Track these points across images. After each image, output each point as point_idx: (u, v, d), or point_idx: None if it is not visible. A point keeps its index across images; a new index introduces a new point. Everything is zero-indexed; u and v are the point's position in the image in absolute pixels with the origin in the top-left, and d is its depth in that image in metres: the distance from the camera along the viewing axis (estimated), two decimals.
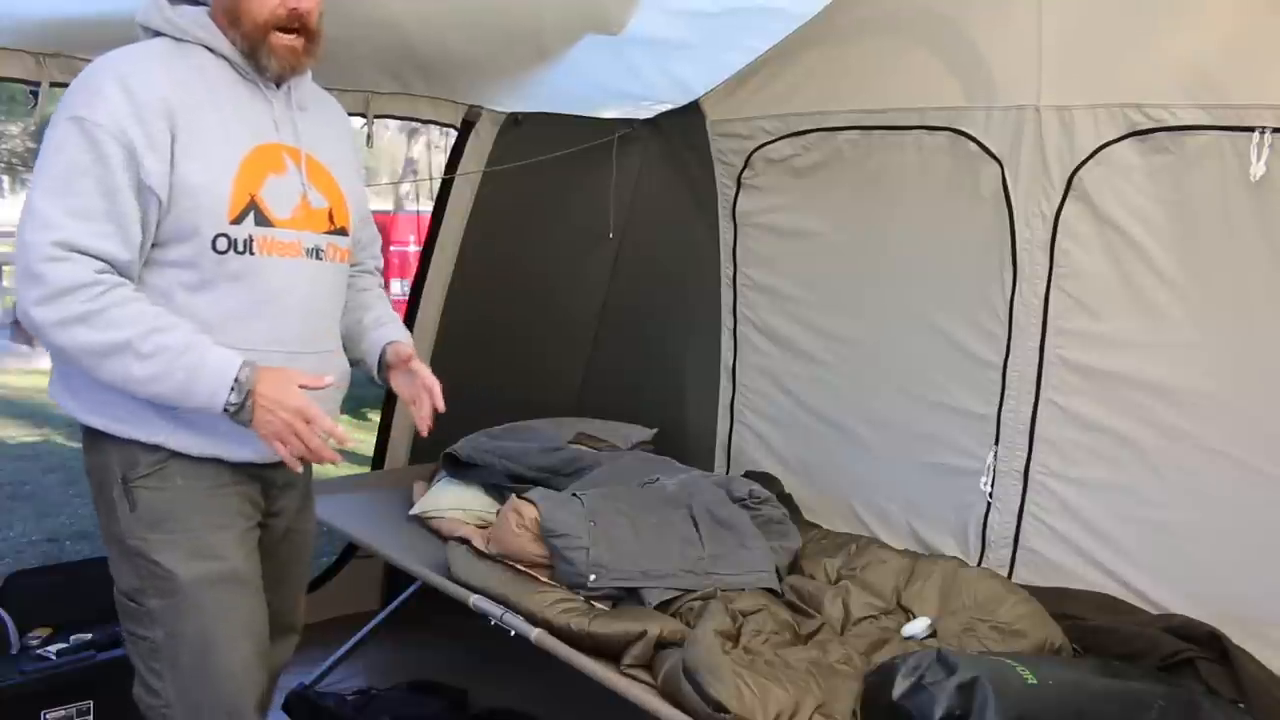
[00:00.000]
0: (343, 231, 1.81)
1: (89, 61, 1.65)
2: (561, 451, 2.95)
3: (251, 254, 1.65)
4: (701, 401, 3.35)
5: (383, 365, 1.96)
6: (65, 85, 1.74)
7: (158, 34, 1.69)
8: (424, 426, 1.88)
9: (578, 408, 3.59)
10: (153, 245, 1.62)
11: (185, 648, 1.65)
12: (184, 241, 1.62)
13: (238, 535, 1.72)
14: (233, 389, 1.58)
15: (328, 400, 1.81)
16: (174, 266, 1.63)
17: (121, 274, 1.58)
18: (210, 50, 1.68)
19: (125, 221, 1.56)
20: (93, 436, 1.69)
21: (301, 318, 1.73)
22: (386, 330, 1.98)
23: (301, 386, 1.62)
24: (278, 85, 1.74)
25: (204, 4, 1.69)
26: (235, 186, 1.63)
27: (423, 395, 1.89)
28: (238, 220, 1.63)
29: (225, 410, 1.59)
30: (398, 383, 1.96)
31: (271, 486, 1.81)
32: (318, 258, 1.75)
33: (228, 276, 1.64)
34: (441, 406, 1.88)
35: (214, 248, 1.62)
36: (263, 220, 1.66)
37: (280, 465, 1.70)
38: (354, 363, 1.97)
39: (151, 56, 1.65)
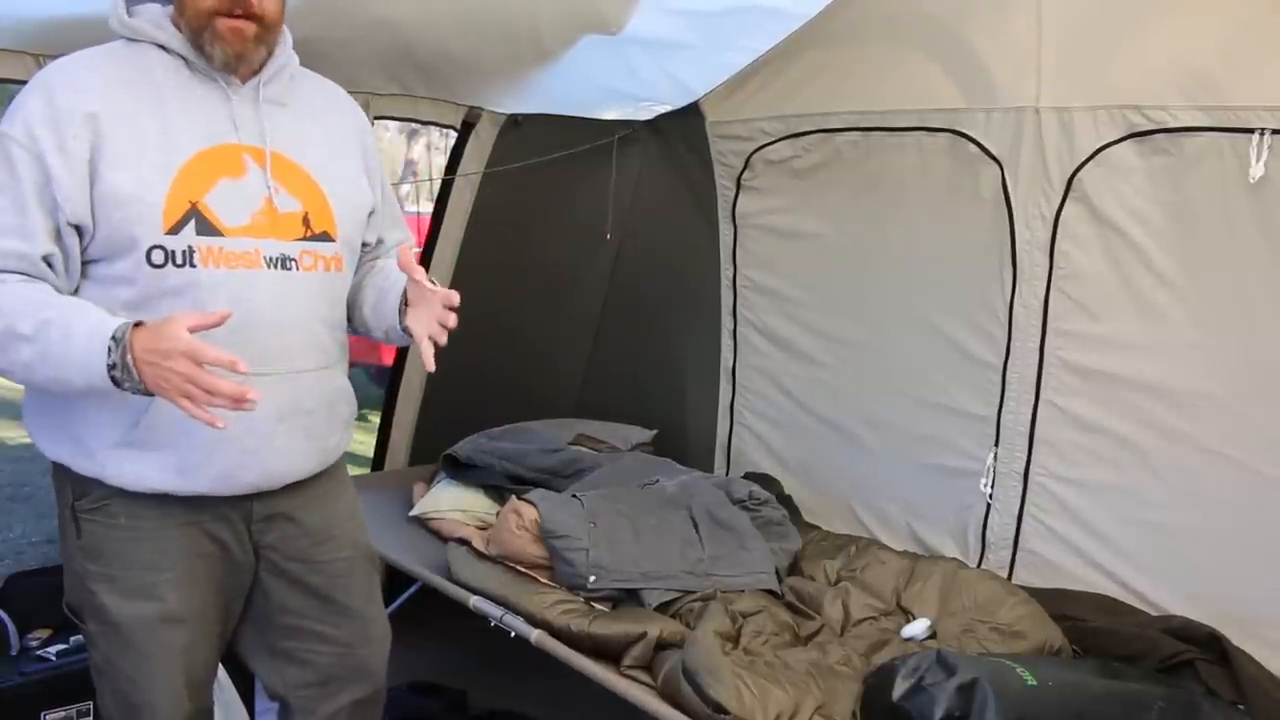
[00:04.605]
0: (325, 237, 1.67)
1: None
2: (561, 453, 2.95)
3: (192, 266, 1.52)
4: (701, 402, 3.35)
5: (403, 311, 1.76)
6: None
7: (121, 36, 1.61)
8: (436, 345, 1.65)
9: (578, 409, 3.59)
10: (94, 261, 1.53)
11: (119, 676, 1.64)
12: (122, 255, 1.52)
13: (178, 576, 1.62)
14: (109, 349, 1.40)
15: (332, 421, 1.72)
16: (114, 283, 1.53)
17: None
18: (164, 49, 1.58)
19: (34, 234, 1.47)
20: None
21: (260, 334, 1.57)
22: (395, 280, 1.77)
23: (192, 329, 1.39)
24: (227, 71, 1.60)
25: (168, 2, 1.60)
26: (172, 194, 1.52)
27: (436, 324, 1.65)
28: (174, 230, 1.51)
29: (112, 379, 1.41)
30: (415, 316, 1.71)
31: (251, 520, 1.69)
32: (284, 267, 1.61)
33: (169, 293, 1.52)
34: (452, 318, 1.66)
35: (149, 261, 1.51)
36: (208, 229, 1.54)
37: (257, 496, 1.65)
38: (385, 332, 1.81)
39: (92, 63, 1.56)
